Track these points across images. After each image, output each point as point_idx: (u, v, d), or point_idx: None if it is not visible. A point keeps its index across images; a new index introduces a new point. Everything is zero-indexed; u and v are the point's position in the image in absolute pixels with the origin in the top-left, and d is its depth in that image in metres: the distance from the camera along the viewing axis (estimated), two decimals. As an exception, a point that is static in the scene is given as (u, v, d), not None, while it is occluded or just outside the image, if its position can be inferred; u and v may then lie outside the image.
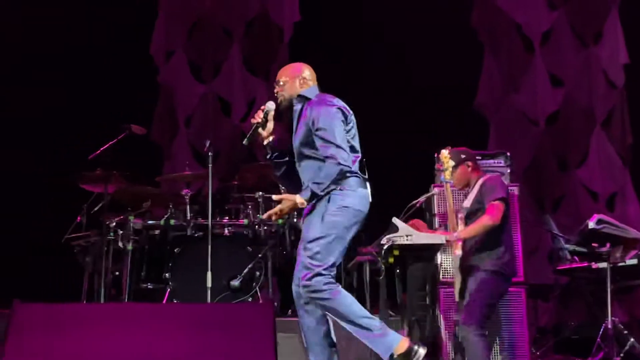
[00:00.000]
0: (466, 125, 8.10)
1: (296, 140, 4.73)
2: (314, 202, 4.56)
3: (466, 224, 5.35)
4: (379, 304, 5.45)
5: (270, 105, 4.76)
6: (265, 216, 4.73)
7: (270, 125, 4.76)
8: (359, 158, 4.71)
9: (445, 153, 5.47)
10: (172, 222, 6.69)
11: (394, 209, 5.47)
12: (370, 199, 4.69)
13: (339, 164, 4.52)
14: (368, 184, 4.73)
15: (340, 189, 4.57)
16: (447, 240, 5.31)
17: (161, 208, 6.95)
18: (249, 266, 6.45)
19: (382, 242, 5.23)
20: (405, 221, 5.37)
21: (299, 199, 4.52)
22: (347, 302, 4.48)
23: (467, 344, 5.18)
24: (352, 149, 4.68)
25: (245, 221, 6.71)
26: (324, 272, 4.44)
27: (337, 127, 4.59)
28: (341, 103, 4.75)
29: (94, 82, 8.33)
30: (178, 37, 9.17)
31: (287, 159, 4.82)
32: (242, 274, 6.43)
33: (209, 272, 6.13)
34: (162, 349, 2.98)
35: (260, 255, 6.53)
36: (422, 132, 7.75)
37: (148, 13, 8.99)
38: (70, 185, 7.00)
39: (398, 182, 7.27)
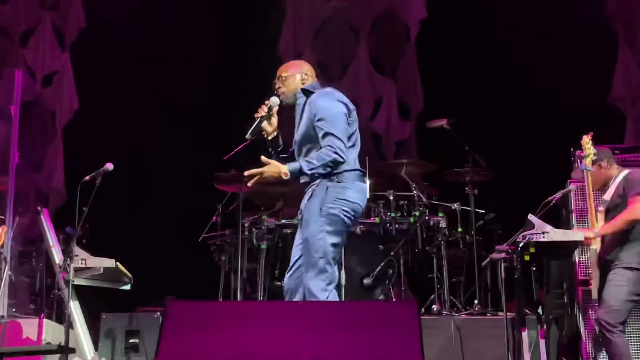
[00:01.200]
0: (602, 119, 7.85)
1: (298, 134, 4.85)
2: (312, 190, 4.67)
3: (606, 217, 5.21)
4: (515, 303, 5.37)
5: (275, 100, 4.85)
6: (246, 173, 4.75)
7: (274, 120, 4.90)
8: (358, 153, 4.78)
9: (586, 139, 5.34)
10: (304, 220, 6.76)
11: (530, 206, 5.37)
12: (367, 194, 4.81)
13: (335, 152, 4.56)
14: (367, 179, 4.87)
15: (338, 182, 4.63)
16: (585, 238, 5.17)
17: (293, 207, 7.05)
18: (381, 264, 6.46)
19: (517, 239, 5.15)
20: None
21: (284, 169, 4.62)
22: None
23: (609, 344, 5.03)
24: (353, 144, 4.74)
25: (377, 219, 6.73)
26: (327, 266, 4.58)
27: (338, 118, 4.65)
28: (344, 97, 4.82)
29: (226, 85, 8.52)
30: (306, 37, 9.28)
31: (290, 152, 4.94)
32: (375, 272, 6.45)
33: (342, 270, 6.17)
34: (311, 346, 3.02)
35: (392, 254, 6.53)
36: (557, 128, 7.57)
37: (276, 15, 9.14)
38: (206, 185, 7.22)
39: (534, 178, 7.13)
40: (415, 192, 6.69)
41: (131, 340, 6.57)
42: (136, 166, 7.98)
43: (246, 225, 6.94)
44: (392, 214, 6.67)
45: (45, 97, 9.06)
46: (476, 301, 6.44)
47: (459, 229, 6.78)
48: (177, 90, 8.43)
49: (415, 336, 2.83)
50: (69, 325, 5.74)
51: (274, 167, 4.66)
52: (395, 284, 6.60)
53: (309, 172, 4.62)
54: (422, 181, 7.32)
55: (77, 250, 5.89)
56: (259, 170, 4.68)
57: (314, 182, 4.74)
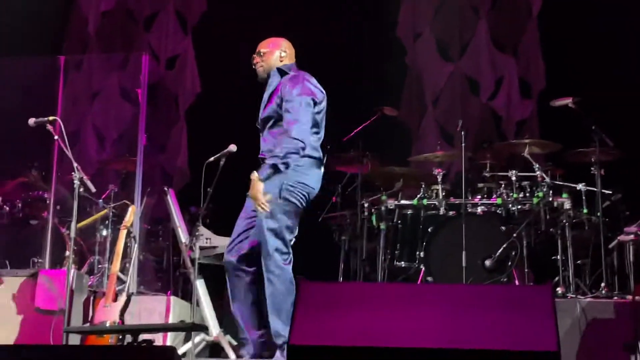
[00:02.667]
0: None
1: (264, 112, 4.97)
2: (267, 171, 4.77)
3: None
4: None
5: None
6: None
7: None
8: (321, 141, 4.90)
9: None
10: (425, 201, 6.74)
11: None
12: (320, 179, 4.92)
13: (296, 139, 4.69)
14: (322, 166, 4.95)
15: (298, 165, 4.75)
16: None
17: (413, 188, 7.04)
18: (503, 246, 6.37)
19: (647, 221, 4.98)
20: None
21: (254, 175, 4.78)
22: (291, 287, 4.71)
23: None
24: (317, 129, 4.86)
25: (499, 200, 6.63)
26: (282, 247, 4.76)
27: (304, 103, 4.77)
28: (315, 82, 4.94)
29: (346, 67, 8.52)
30: (425, 17, 9.18)
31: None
32: (496, 254, 6.36)
33: (464, 251, 6.12)
34: (446, 329, 3.01)
35: (514, 235, 6.43)
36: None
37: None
38: (325, 166, 7.25)
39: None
40: (538, 172, 6.54)
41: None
42: (257, 147, 8.08)
43: (366, 205, 6.96)
44: (515, 195, 6.55)
45: (169, 80, 9.29)
46: (603, 284, 6.26)
47: (584, 210, 6.60)
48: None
49: (551, 321, 2.78)
50: (195, 303, 5.91)
51: (253, 185, 4.81)
52: (518, 266, 6.49)
53: (282, 163, 4.74)
54: (545, 161, 7.15)
55: (202, 229, 6.03)
56: (256, 200, 4.80)
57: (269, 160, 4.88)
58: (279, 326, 4.75)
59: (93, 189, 5.90)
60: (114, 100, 9.05)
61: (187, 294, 7.20)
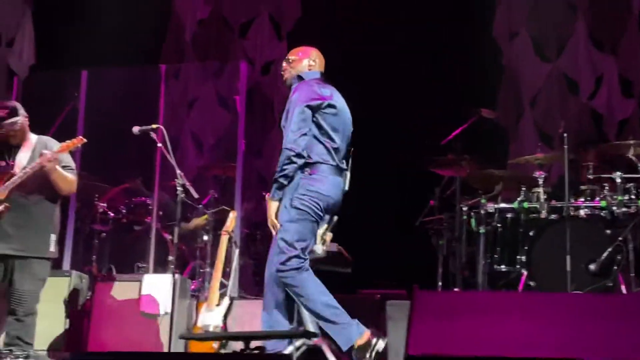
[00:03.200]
0: None
1: (283, 116, 4.86)
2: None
3: None
4: None
5: None
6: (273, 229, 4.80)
7: None
8: (336, 147, 4.79)
9: None
10: (526, 204, 6.62)
11: None
12: (344, 187, 4.87)
13: (285, 148, 4.64)
14: (345, 173, 4.87)
15: (310, 174, 4.70)
16: None
17: (513, 191, 6.92)
18: (609, 250, 6.20)
19: None
20: None
21: (268, 198, 4.76)
22: (316, 289, 4.70)
23: None
24: (328, 137, 4.76)
25: (603, 202, 6.46)
26: (295, 256, 4.66)
27: (299, 110, 4.68)
28: (324, 91, 4.83)
29: (441, 69, 8.46)
30: (520, 17, 9.03)
31: None
32: (601, 258, 6.20)
33: (568, 255, 5.99)
34: (564, 338, 2.95)
35: (620, 239, 6.25)
36: None
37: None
38: (423, 169, 7.22)
39: None
40: None
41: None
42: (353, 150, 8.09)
43: (464, 209, 6.88)
44: (619, 197, 6.37)
45: (264, 85, 9.39)
46: None
47: (696, 213, 6.37)
48: (391, 74, 8.47)
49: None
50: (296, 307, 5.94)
51: (270, 207, 4.79)
52: (623, 271, 6.31)
53: (281, 178, 4.70)
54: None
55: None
56: (271, 222, 4.83)
57: None
58: (329, 327, 4.78)
59: (196, 195, 6.02)
60: (211, 107, 9.20)
61: (286, 297, 7.24)
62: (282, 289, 4.87)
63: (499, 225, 6.72)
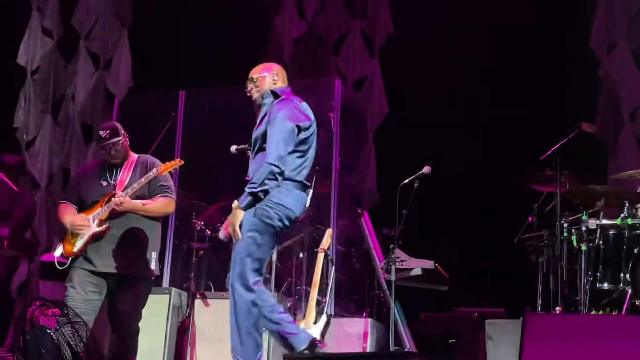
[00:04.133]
0: None
1: (257, 131, 4.97)
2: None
3: None
4: None
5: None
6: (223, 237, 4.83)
7: None
8: (305, 165, 4.91)
9: None
10: (630, 220, 6.41)
11: None
12: (306, 204, 4.93)
13: (270, 163, 4.68)
14: (308, 190, 4.95)
15: (277, 186, 4.74)
16: None
17: (615, 207, 6.72)
18: None
19: None
20: None
21: (235, 203, 4.72)
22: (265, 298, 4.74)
23: None
24: (300, 154, 4.87)
25: None
26: (250, 265, 4.68)
27: (285, 129, 4.78)
28: (304, 108, 5.00)
29: (538, 82, 8.32)
30: (619, 27, 8.80)
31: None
32: None
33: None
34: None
35: None
36: None
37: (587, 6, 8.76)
38: (521, 185, 7.09)
39: None
40: None
41: (450, 341, 6.61)
42: (445, 167, 8.03)
43: (565, 225, 6.71)
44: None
45: (357, 101, 9.38)
46: None
47: None
48: (487, 89, 8.36)
49: None
50: (394, 326, 5.90)
51: (233, 213, 4.76)
52: None
53: (257, 190, 4.72)
54: None
55: (397, 251, 6.03)
56: (230, 228, 4.78)
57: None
58: (237, 343, 4.81)
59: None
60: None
61: (381, 315, 7.21)
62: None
63: (601, 242, 6.53)
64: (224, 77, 8.20)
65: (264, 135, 4.92)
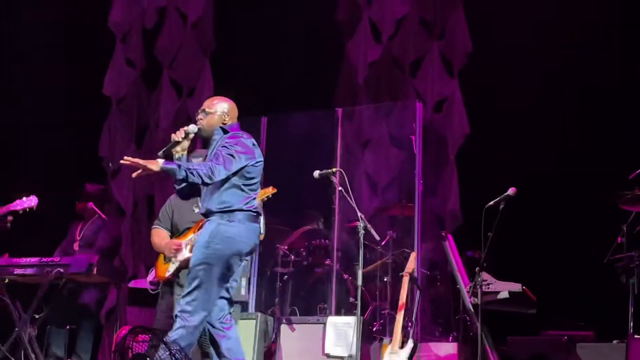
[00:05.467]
0: None
1: (209, 153, 5.10)
2: (206, 224, 4.99)
3: None
4: None
5: (193, 128, 5.17)
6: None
7: (186, 143, 5.17)
8: (255, 195, 5.10)
9: None
10: None
11: None
12: (260, 233, 5.21)
13: (211, 169, 4.86)
14: (261, 220, 5.23)
15: (228, 220, 4.93)
16: None
17: None
18: None
19: None
20: None
21: (159, 163, 4.84)
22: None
23: None
24: (250, 187, 5.07)
25: None
26: (199, 295, 4.81)
27: (237, 155, 4.98)
28: (253, 143, 5.20)
29: (627, 99, 8.14)
30: None
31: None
32: None
33: None
34: None
35: None
36: None
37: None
38: (609, 205, 6.93)
39: None
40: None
41: (538, 365, 6.49)
42: (530, 188, 7.91)
43: (657, 246, 6.53)
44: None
45: (437, 123, 9.31)
46: None
47: None
48: (573, 107, 8.22)
49: None
50: (481, 350, 5.81)
51: (152, 163, 4.86)
52: None
53: (179, 176, 4.87)
54: None
55: (484, 274, 5.95)
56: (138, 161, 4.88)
57: (208, 219, 5.04)
58: None
59: (377, 237, 6.03)
60: (384, 147, 9.22)
61: (467, 339, 7.11)
62: None
63: (695, 262, 6.33)
64: (304, 103, 8.28)
65: None
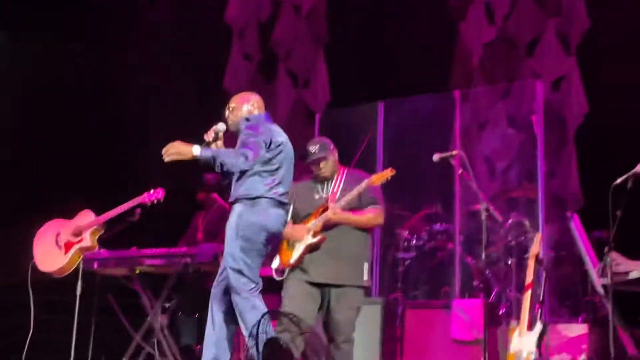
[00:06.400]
0: None
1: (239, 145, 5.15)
2: (232, 211, 5.17)
3: None
4: None
5: (221, 127, 5.33)
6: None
7: (219, 143, 5.33)
8: (278, 183, 5.17)
9: None
10: None
11: None
12: (286, 219, 5.29)
13: (244, 164, 5.00)
14: (287, 207, 5.29)
15: (251, 207, 5.09)
16: None
17: None
18: None
19: None
20: None
21: (194, 150, 4.97)
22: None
23: None
24: (274, 171, 5.16)
25: None
26: (244, 279, 5.04)
27: (261, 138, 5.09)
28: (276, 128, 5.31)
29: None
30: None
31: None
32: None
33: None
34: None
35: None
36: None
37: None
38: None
39: None
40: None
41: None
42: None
43: None
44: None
45: (554, 102, 9.10)
46: None
47: None
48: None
49: None
50: (613, 331, 5.67)
51: (183, 148, 4.99)
52: None
53: (211, 163, 5.00)
54: None
55: (613, 254, 5.80)
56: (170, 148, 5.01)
57: (234, 205, 5.20)
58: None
59: (500, 219, 5.96)
60: (502, 129, 9.09)
61: (597, 321, 6.95)
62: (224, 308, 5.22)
63: None
64: (419, 87, 8.24)
65: None
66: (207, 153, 5.03)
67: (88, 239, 6.12)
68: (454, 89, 8.28)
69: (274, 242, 5.31)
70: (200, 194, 7.63)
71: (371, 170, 6.15)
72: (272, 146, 5.19)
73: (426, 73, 8.64)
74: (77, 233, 6.14)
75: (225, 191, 8.30)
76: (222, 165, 5.00)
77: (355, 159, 7.15)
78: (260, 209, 5.12)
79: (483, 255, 5.85)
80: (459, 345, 6.11)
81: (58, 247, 6.22)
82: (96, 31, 10.01)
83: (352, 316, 5.55)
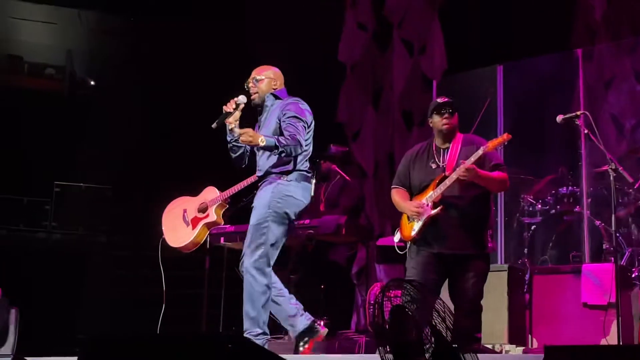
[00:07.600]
0: None
1: (262, 130, 5.46)
2: (264, 185, 5.41)
3: None
4: None
5: (242, 99, 5.47)
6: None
7: (237, 114, 5.46)
8: (308, 157, 5.48)
9: None
10: None
11: None
12: (312, 192, 5.52)
13: (300, 145, 5.28)
14: (313, 180, 5.58)
15: (287, 180, 5.36)
16: None
17: None
18: None
19: None
20: None
21: (262, 140, 5.21)
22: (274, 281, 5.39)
23: None
24: (306, 147, 5.41)
25: None
26: (267, 251, 5.30)
27: (304, 120, 5.38)
28: (307, 107, 5.52)
29: None
30: None
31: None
32: None
33: None
34: None
35: None
36: None
37: None
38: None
39: None
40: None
41: None
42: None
43: None
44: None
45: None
46: None
47: None
48: None
49: None
50: None
51: (252, 135, 5.24)
52: None
53: (277, 149, 5.25)
54: None
55: None
56: (240, 130, 5.29)
57: (266, 179, 5.43)
58: (249, 320, 5.33)
59: (630, 179, 5.74)
60: (629, 86, 8.73)
61: None
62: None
63: None
64: (539, 47, 8.00)
65: (276, 133, 5.40)
66: (271, 141, 5.27)
67: (214, 215, 6.24)
68: (575, 47, 7.99)
69: (301, 214, 5.60)
70: (324, 164, 7.65)
71: (492, 136, 6.00)
72: (309, 125, 5.50)
73: (546, 32, 8.36)
74: (203, 209, 6.27)
75: (348, 163, 8.33)
76: (283, 152, 5.29)
77: (475, 124, 7.01)
78: (295, 181, 5.42)
79: (613, 218, 5.62)
80: (590, 310, 5.93)
81: (185, 223, 6.37)
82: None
83: (479, 283, 5.46)
